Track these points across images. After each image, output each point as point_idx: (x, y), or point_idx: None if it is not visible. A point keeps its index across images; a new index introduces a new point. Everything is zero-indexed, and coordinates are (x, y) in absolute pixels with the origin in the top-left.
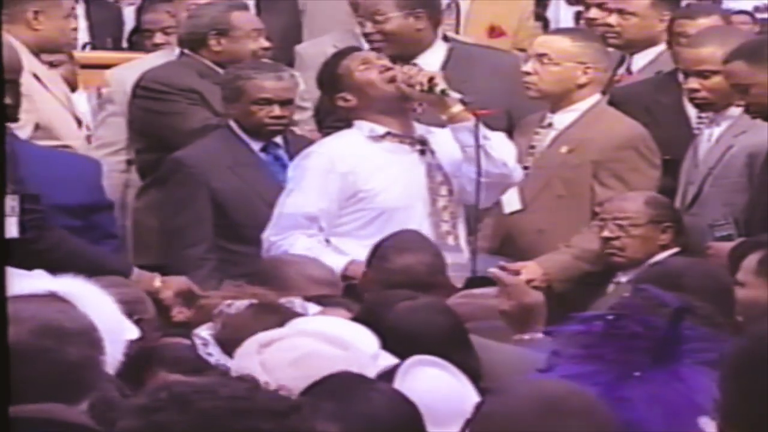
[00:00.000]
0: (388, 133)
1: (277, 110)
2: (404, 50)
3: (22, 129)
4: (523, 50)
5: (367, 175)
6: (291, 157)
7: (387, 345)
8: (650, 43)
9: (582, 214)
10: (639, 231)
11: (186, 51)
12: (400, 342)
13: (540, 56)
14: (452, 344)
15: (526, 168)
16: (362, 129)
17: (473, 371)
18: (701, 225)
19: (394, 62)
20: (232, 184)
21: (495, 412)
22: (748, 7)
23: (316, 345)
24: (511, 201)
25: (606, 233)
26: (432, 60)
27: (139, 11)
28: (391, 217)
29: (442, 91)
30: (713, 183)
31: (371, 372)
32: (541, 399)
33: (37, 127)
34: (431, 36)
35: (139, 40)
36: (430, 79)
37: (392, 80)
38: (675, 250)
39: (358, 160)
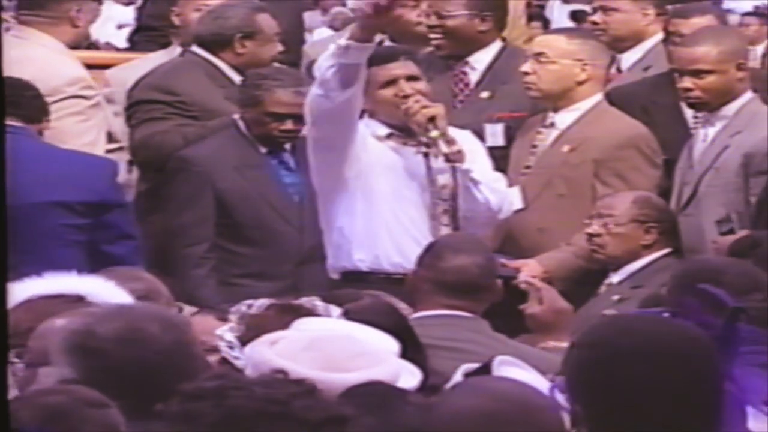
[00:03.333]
0: (392, 134)
1: (289, 124)
2: (462, 48)
3: (99, 140)
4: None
5: (366, 171)
6: (296, 160)
7: None
8: (637, 39)
9: (583, 213)
10: (620, 229)
11: (195, 50)
12: None
13: (537, 55)
14: (399, 343)
15: (527, 167)
16: (369, 126)
17: (422, 368)
18: (697, 225)
19: (449, 59)
20: (237, 185)
21: (451, 410)
22: (748, 7)
23: (322, 331)
24: (512, 200)
25: (590, 230)
26: (482, 58)
27: (140, 11)
28: (386, 214)
29: (433, 137)
30: (709, 183)
31: (390, 357)
32: (493, 395)
33: (109, 136)
34: (493, 38)
35: (141, 40)
36: (431, 119)
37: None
38: (666, 251)
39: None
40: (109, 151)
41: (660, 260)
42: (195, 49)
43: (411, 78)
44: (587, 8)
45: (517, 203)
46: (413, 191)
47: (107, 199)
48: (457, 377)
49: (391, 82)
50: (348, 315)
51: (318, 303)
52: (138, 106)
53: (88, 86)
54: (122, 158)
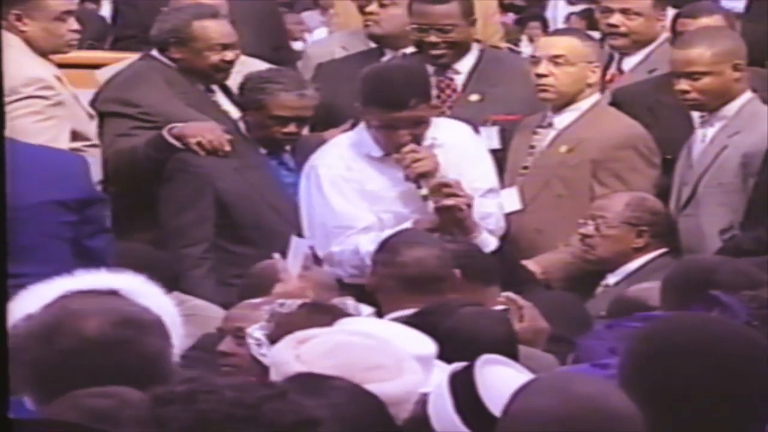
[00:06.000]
0: (387, 154)
1: (292, 127)
2: (458, 58)
3: (60, 138)
4: (493, 47)
5: (364, 188)
6: (296, 161)
7: (443, 348)
8: (649, 42)
9: (581, 213)
10: (611, 231)
11: (152, 53)
12: (458, 345)
13: (555, 57)
14: (506, 354)
15: (525, 168)
16: (363, 145)
17: None
18: (696, 225)
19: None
20: (237, 185)
21: (523, 409)
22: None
23: (349, 337)
24: (510, 201)
25: (583, 230)
26: (464, 63)
27: (113, 20)
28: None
29: (422, 195)
30: (708, 183)
31: (412, 368)
32: (568, 397)
33: (74, 134)
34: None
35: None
36: (422, 174)
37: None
38: (662, 251)
39: (353, 174)
40: (75, 149)
41: (656, 260)
42: (153, 51)
43: (415, 123)
44: (578, 9)
45: (515, 204)
46: (406, 205)
47: (91, 194)
48: (444, 379)
49: (391, 126)
50: (457, 322)
51: (349, 302)
52: (104, 120)
53: (47, 87)
54: (95, 155)
